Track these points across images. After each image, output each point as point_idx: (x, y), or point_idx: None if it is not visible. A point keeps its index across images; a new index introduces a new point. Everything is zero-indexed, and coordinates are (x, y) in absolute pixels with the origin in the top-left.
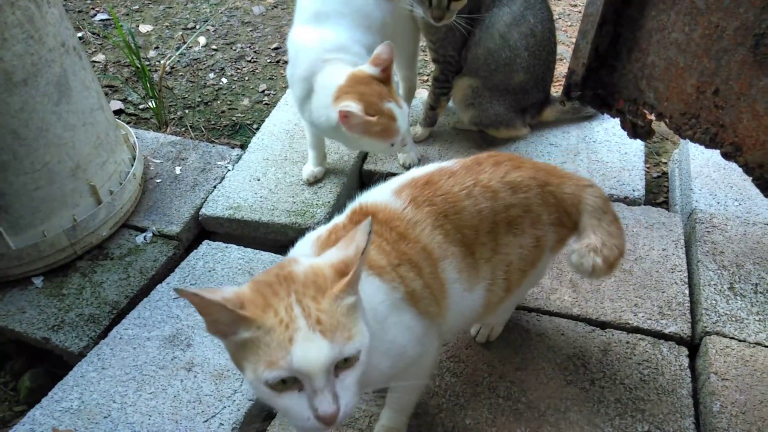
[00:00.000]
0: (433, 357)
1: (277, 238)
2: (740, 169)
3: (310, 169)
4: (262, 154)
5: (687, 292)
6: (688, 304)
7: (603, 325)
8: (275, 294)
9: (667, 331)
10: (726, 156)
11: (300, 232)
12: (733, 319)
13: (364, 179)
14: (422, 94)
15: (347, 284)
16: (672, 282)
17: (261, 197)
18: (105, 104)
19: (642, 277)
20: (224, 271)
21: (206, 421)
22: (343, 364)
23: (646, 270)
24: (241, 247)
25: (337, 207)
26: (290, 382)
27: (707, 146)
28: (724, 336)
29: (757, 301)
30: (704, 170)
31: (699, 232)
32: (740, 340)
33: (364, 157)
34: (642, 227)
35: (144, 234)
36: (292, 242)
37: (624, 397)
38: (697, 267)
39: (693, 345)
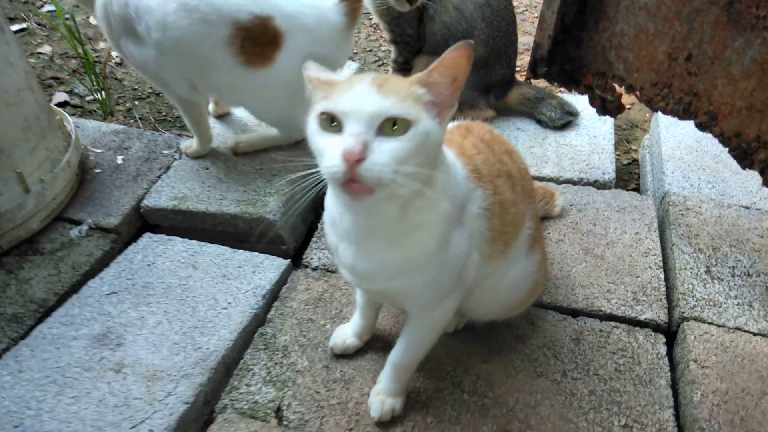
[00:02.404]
0: (459, 298)
1: (225, 230)
2: (712, 153)
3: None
4: (213, 142)
5: (662, 276)
6: (664, 289)
7: (575, 313)
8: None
9: (642, 317)
10: (701, 126)
11: (251, 222)
12: (711, 303)
13: None
14: None
15: (420, 77)
16: (646, 266)
17: (209, 186)
18: (35, 85)
19: (614, 263)
20: (165, 265)
21: (134, 427)
22: (390, 130)
23: (618, 255)
24: (186, 240)
25: (292, 194)
26: (338, 127)
27: (681, 117)
28: (703, 321)
29: (735, 284)
30: (676, 153)
31: (673, 215)
32: (719, 326)
33: None
34: (613, 211)
35: (79, 227)
36: (242, 234)
37: (598, 389)
38: (672, 250)
39: (670, 332)
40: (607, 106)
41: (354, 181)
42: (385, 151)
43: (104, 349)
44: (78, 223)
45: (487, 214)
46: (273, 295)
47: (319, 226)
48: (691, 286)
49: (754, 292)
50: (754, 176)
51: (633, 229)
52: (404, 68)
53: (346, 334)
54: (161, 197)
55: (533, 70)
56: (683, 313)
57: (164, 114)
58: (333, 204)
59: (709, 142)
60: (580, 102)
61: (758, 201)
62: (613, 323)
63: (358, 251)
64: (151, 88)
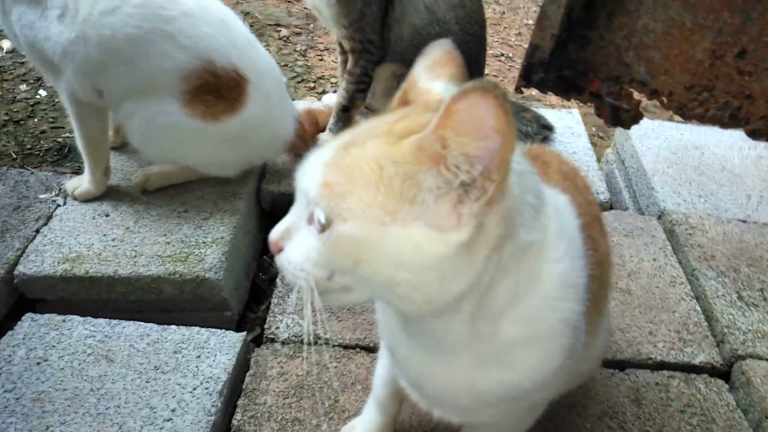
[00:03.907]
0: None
1: (145, 298)
2: (691, 165)
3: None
4: (111, 179)
5: (698, 308)
6: (706, 324)
7: (621, 365)
8: None
9: (696, 361)
10: (754, 134)
11: (182, 286)
12: (759, 334)
13: (263, 203)
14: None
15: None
16: (678, 298)
17: (114, 240)
18: None
19: (644, 297)
20: (63, 361)
21: None
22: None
23: (644, 287)
24: (88, 319)
25: (235, 244)
26: None
27: (725, 125)
28: (759, 358)
29: None
30: (658, 167)
31: (680, 235)
32: None
33: (261, 174)
34: (621, 236)
35: None
36: (167, 303)
37: None
38: (696, 277)
39: (723, 372)
40: (620, 115)
41: None
42: (303, 244)
43: None
44: None
45: (590, 281)
46: (233, 389)
47: (278, 280)
48: (731, 316)
49: None
50: (739, 187)
51: (649, 255)
52: (363, 81)
53: None
54: (44, 260)
55: (527, 78)
56: (736, 350)
57: (29, 147)
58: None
59: (685, 153)
60: (550, 115)
61: (751, 213)
62: (667, 372)
63: (426, 364)
64: (7, 114)
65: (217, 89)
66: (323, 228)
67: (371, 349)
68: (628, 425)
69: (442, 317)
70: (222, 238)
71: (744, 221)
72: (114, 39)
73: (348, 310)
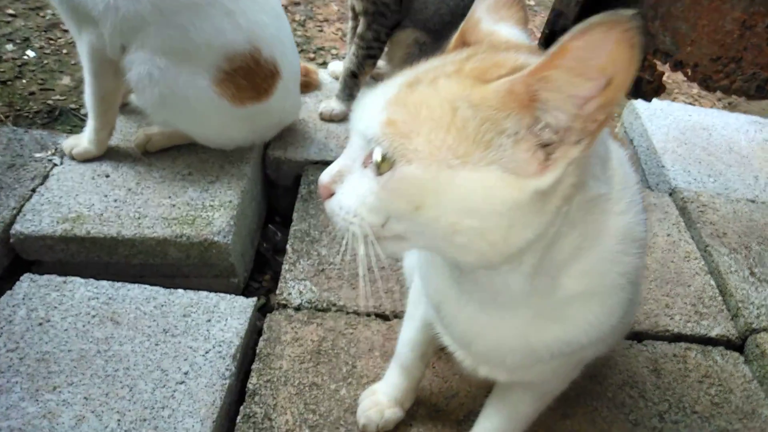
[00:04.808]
0: None
1: (149, 262)
2: (700, 145)
3: None
4: (111, 140)
5: (713, 283)
6: (720, 298)
7: (639, 337)
8: None
9: (713, 334)
10: None
11: (189, 249)
12: None
13: (269, 170)
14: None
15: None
16: (693, 273)
17: (116, 201)
18: None
19: (660, 271)
20: (67, 322)
21: None
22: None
23: (660, 261)
24: (91, 281)
25: (242, 209)
26: None
27: (750, 97)
28: None
29: None
30: (668, 146)
31: (692, 212)
32: None
33: (267, 142)
34: None
35: None
36: (172, 267)
37: (706, 431)
38: (710, 253)
39: (737, 345)
40: (643, 87)
41: None
42: (356, 187)
43: None
44: None
45: None
46: (246, 354)
47: (288, 247)
48: (744, 292)
49: None
50: (747, 168)
51: (663, 230)
52: (373, 47)
53: (381, 403)
54: (42, 220)
55: (547, 46)
56: (750, 324)
57: (18, 108)
58: None
59: (693, 134)
60: None
61: (759, 194)
62: (684, 344)
63: (477, 320)
64: None
65: (252, 76)
66: (381, 170)
67: (386, 317)
68: (648, 394)
69: (501, 270)
70: (230, 201)
71: (753, 201)
72: (174, 1)
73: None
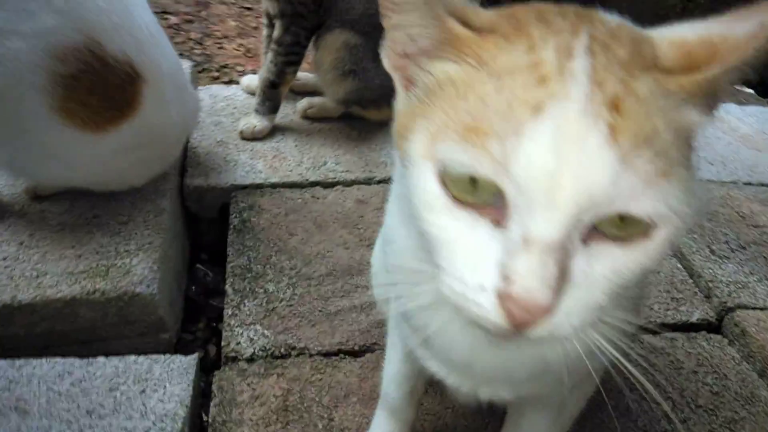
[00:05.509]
0: None
1: (56, 328)
2: None
3: None
4: None
5: (680, 266)
6: (691, 281)
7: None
8: (545, 23)
9: (694, 319)
10: None
11: (106, 306)
12: (739, 285)
13: (189, 201)
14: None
15: (704, 82)
16: None
17: (5, 259)
18: None
19: None
20: None
21: None
22: (614, 225)
23: None
24: None
25: (165, 250)
26: (485, 195)
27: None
28: (746, 308)
29: (740, 259)
30: None
31: None
32: (762, 309)
33: (182, 168)
34: None
35: None
36: (86, 332)
37: (715, 425)
38: None
39: (716, 327)
40: None
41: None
42: (598, 277)
43: None
44: None
45: None
46: (195, 425)
47: (228, 287)
48: (710, 270)
49: (758, 264)
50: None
51: None
52: (293, 52)
53: None
54: None
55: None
56: (725, 302)
57: None
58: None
59: None
60: None
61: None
62: (668, 335)
63: (481, 338)
64: None
65: (102, 86)
66: (628, 236)
67: (355, 353)
68: (649, 394)
69: None
70: (150, 243)
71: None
72: None
73: (320, 311)
